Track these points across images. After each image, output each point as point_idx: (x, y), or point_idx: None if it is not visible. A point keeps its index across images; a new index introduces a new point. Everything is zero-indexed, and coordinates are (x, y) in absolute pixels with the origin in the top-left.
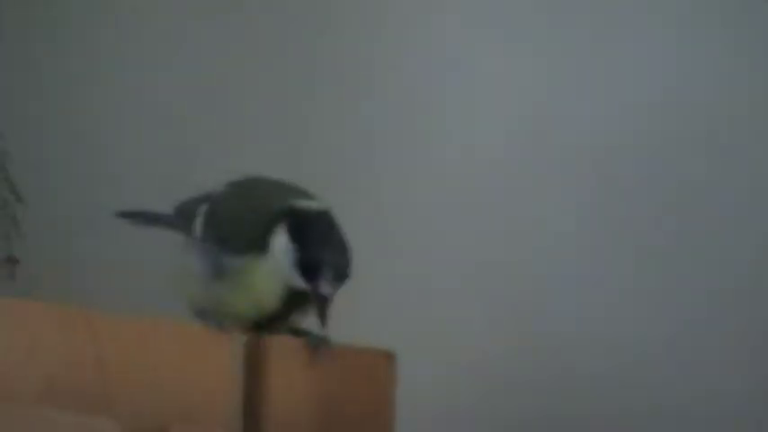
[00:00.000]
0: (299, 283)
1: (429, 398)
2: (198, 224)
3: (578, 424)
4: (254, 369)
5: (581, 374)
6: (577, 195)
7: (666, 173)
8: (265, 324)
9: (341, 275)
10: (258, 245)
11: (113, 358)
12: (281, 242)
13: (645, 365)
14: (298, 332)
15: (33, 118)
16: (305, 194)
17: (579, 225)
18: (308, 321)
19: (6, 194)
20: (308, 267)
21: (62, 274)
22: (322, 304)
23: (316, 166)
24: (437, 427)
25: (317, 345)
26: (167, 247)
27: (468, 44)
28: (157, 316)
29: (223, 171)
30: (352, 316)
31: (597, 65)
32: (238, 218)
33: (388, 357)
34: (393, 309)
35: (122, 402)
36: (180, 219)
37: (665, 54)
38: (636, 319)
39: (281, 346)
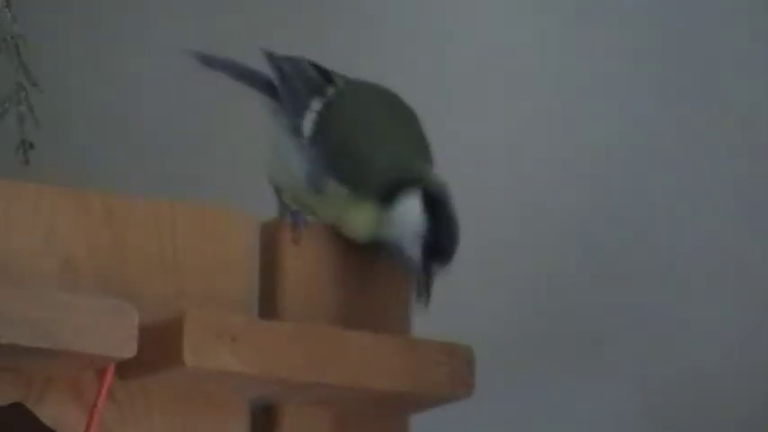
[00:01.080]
0: (408, 249)
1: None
2: (308, 122)
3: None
4: (271, 251)
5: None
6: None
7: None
8: None
9: (449, 260)
10: (377, 189)
11: (130, 241)
12: (413, 208)
13: None
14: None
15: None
16: (426, 153)
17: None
18: None
19: (21, 78)
20: (433, 246)
21: (77, 160)
22: (429, 281)
23: None
24: (452, 310)
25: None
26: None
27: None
28: (174, 199)
29: None
30: None
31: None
32: (362, 156)
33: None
34: None
35: (139, 285)
36: (285, 89)
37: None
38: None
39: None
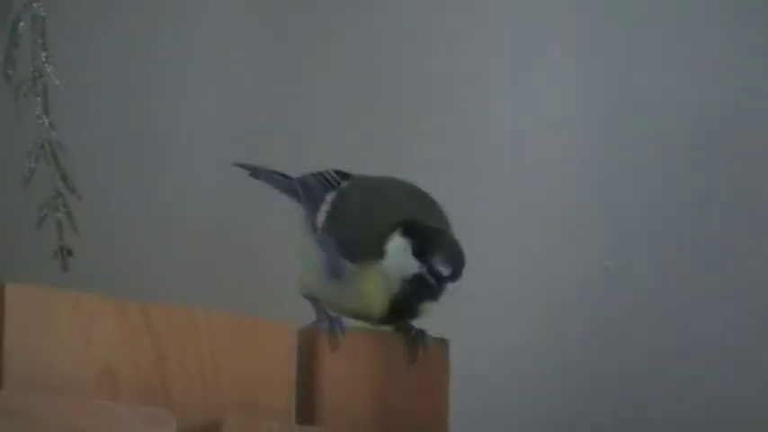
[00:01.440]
0: (413, 272)
1: (483, 385)
2: (322, 213)
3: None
4: (308, 359)
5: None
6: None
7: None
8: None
9: (455, 264)
10: (373, 251)
11: (169, 349)
12: (396, 243)
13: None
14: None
15: (86, 110)
16: (427, 208)
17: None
18: None
19: (60, 186)
20: (423, 250)
21: (116, 267)
22: (436, 283)
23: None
24: (489, 415)
25: (413, 339)
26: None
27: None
28: (212, 307)
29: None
30: None
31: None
32: (358, 223)
33: (442, 344)
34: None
35: (178, 393)
36: (305, 193)
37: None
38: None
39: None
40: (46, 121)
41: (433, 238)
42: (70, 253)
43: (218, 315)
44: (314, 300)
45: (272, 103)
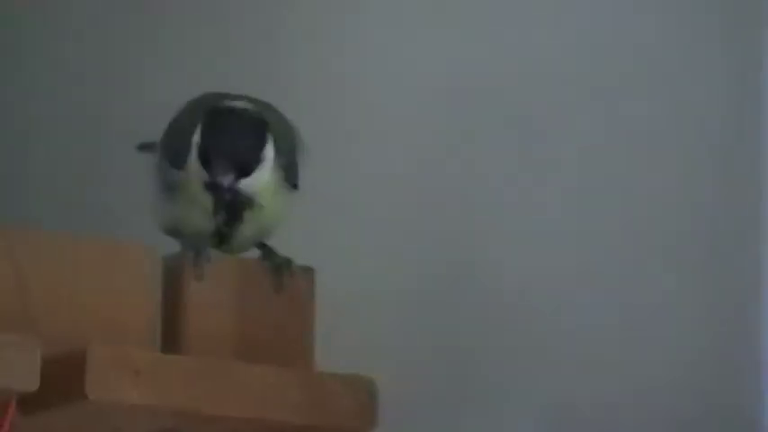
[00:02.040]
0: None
1: (347, 314)
2: (158, 142)
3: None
4: (173, 287)
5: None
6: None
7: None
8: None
9: (239, 167)
10: (186, 150)
11: (32, 274)
12: (194, 141)
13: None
14: (264, 249)
15: None
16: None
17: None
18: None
19: None
20: (204, 158)
21: None
22: (216, 195)
23: None
24: (354, 342)
25: (278, 267)
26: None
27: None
28: (77, 232)
29: None
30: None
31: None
32: (174, 127)
33: (309, 272)
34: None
35: (42, 319)
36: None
37: None
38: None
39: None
40: None
41: (217, 134)
42: None
43: (83, 240)
44: (175, 233)
45: None
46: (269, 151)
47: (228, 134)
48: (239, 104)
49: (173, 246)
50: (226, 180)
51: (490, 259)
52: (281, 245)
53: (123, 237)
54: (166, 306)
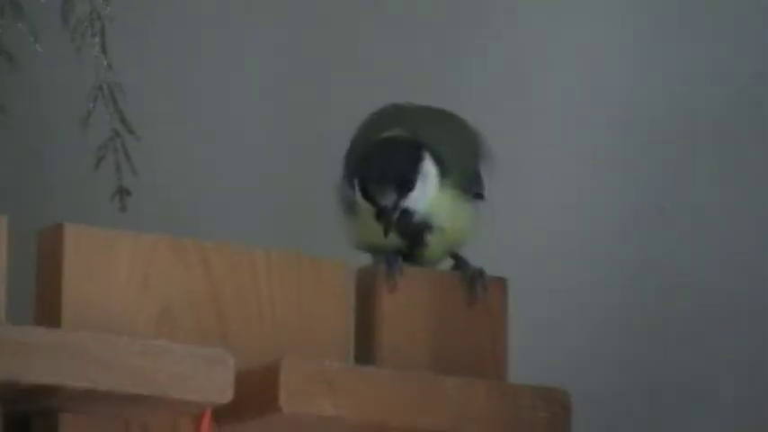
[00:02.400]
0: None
1: (541, 325)
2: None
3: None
4: (366, 299)
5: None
6: None
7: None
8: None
9: (397, 186)
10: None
11: (227, 289)
12: (354, 180)
13: None
14: (457, 260)
15: (144, 50)
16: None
17: None
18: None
19: (117, 126)
20: (364, 192)
21: (174, 207)
22: (387, 222)
23: None
24: (549, 353)
25: (471, 279)
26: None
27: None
28: (270, 246)
29: None
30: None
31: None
32: (347, 154)
33: (501, 283)
34: (507, 236)
35: (236, 334)
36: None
37: None
38: None
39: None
40: (104, 62)
41: (362, 165)
42: (128, 193)
43: (277, 254)
44: (366, 249)
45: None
46: (426, 166)
47: (379, 161)
48: (390, 134)
49: (363, 259)
50: (388, 201)
51: (686, 267)
52: (473, 255)
53: (316, 251)
54: (359, 318)
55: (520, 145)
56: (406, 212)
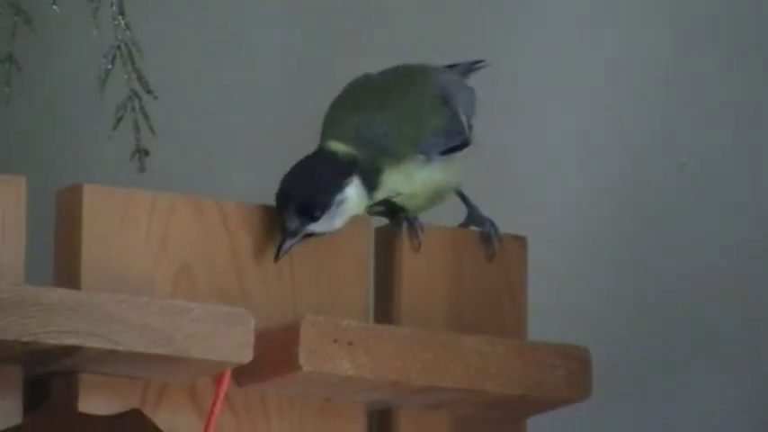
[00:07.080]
0: None
1: (558, 282)
2: None
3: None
4: (385, 258)
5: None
6: None
7: None
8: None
9: (303, 211)
10: None
11: (246, 248)
12: None
13: None
14: (462, 198)
15: (162, 10)
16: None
17: None
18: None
19: (136, 86)
20: (275, 199)
21: (193, 167)
22: (285, 237)
23: None
24: (566, 313)
25: (489, 233)
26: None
27: None
28: None
29: None
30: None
31: None
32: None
33: (520, 241)
34: (524, 194)
35: (255, 292)
36: None
37: None
38: None
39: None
40: (122, 22)
41: (285, 175)
42: (147, 153)
43: None
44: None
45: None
46: (348, 192)
47: (297, 182)
48: (331, 147)
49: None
50: (291, 224)
51: (701, 230)
52: (491, 215)
53: None
54: (378, 277)
55: (539, 97)
56: (313, 234)
